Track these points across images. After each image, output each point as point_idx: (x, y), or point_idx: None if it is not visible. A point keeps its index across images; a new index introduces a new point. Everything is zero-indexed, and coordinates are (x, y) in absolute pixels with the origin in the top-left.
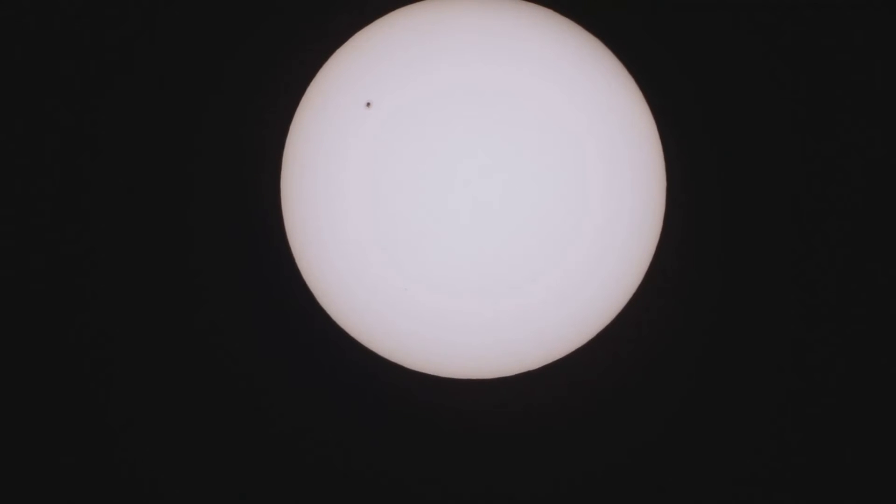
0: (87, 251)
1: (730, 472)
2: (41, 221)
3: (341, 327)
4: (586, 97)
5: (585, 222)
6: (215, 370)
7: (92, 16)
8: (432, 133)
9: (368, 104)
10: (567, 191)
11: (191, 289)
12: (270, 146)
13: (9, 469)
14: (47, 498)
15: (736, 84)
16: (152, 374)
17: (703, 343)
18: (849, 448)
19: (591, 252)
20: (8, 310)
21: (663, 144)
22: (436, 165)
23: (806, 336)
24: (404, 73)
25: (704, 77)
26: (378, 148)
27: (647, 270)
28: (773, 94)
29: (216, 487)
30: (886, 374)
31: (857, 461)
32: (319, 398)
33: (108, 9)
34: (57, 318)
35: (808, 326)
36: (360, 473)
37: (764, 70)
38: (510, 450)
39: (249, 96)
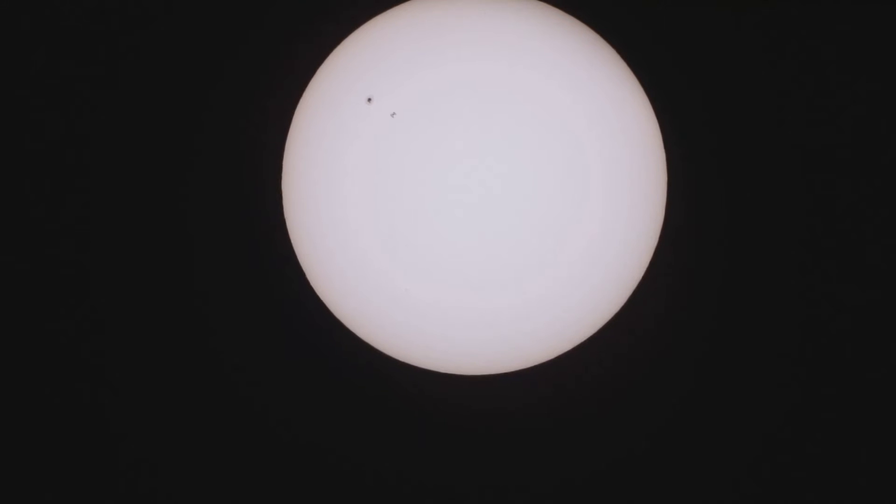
0: (86, 252)
1: (730, 472)
2: (39, 223)
3: (344, 325)
4: (587, 94)
5: (586, 219)
6: (217, 370)
7: (90, 15)
8: (433, 130)
9: (369, 100)
10: (567, 188)
11: (193, 289)
12: (271, 145)
13: (10, 472)
14: (48, 500)
15: (739, 81)
16: (154, 376)
17: (702, 343)
18: (850, 449)
19: (592, 249)
20: (6, 311)
21: (665, 141)
22: (437, 162)
23: (807, 336)
24: (404, 70)
25: (707, 74)
26: (379, 145)
27: (648, 268)
28: (777, 92)
29: (217, 488)
30: (890, 374)
31: (858, 462)
32: (323, 396)
33: (106, 8)
34: (56, 320)
35: (810, 326)
36: (362, 471)
37: (767, 67)
38: (510, 447)
39: (249, 95)
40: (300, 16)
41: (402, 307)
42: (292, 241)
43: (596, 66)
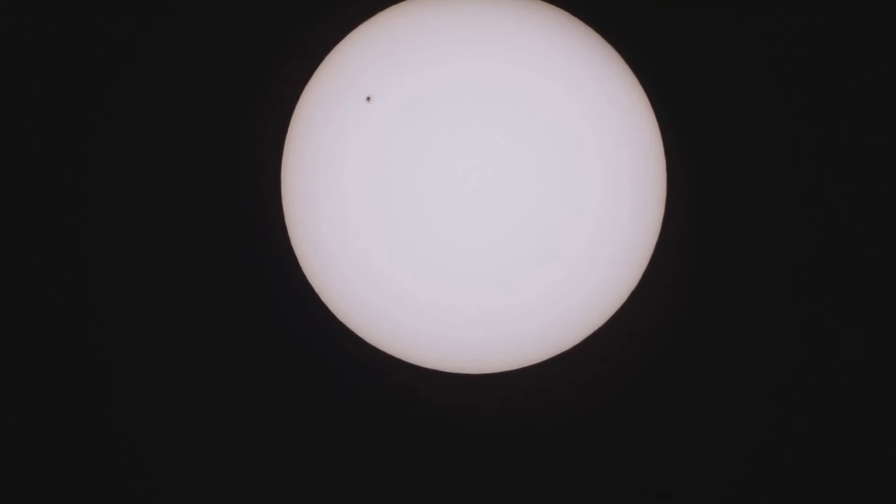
0: (86, 251)
1: (729, 472)
2: (39, 222)
3: (344, 324)
4: (587, 94)
5: (585, 219)
6: (217, 370)
7: (89, 15)
8: (433, 129)
9: (368, 98)
10: (566, 188)
11: (192, 289)
12: (271, 144)
13: (10, 472)
14: (48, 500)
15: (739, 81)
16: (153, 376)
17: (701, 341)
18: (850, 449)
19: (591, 248)
20: (6, 312)
21: (664, 141)
22: (436, 161)
23: (806, 335)
24: (404, 69)
25: (707, 74)
26: (378, 144)
27: (647, 268)
28: (777, 94)
29: (217, 488)
30: (888, 374)
31: (858, 462)
32: (322, 395)
33: (106, 6)
34: (55, 319)
35: (809, 325)
36: (362, 470)
37: (767, 67)
38: (509, 445)
39: (249, 95)
40: (300, 15)
41: (401, 306)
42: (292, 241)
43: (596, 66)
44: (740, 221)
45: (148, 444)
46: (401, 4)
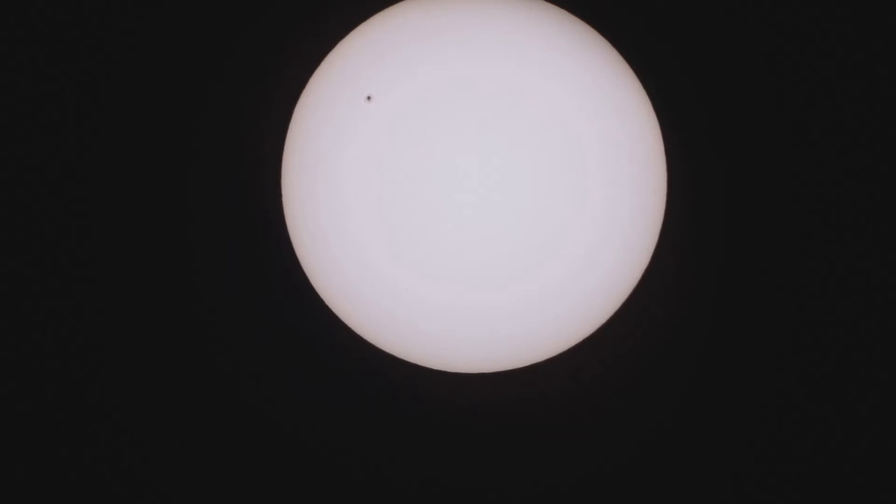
0: (87, 251)
1: (728, 471)
2: (40, 221)
3: (345, 323)
4: (587, 94)
5: (585, 219)
6: (218, 369)
7: (89, 15)
8: (433, 128)
9: (369, 98)
10: (567, 188)
11: (192, 288)
12: (271, 144)
13: (10, 472)
14: (48, 499)
15: (739, 81)
16: (153, 375)
17: (701, 341)
18: (847, 448)
19: (591, 248)
20: (7, 312)
21: (665, 141)
22: (436, 160)
23: (806, 335)
24: (404, 68)
25: (708, 74)
26: (378, 143)
27: (647, 267)
28: (777, 92)
29: (216, 488)
30: (887, 373)
31: (857, 462)
32: (322, 394)
33: (105, 6)
34: (56, 318)
35: (809, 325)
36: (361, 469)
37: (767, 67)
38: (509, 446)
39: (249, 94)
40: (300, 14)
41: (402, 305)
42: (292, 240)
43: (597, 66)
44: (740, 221)
45: (148, 443)
46: (401, 4)
